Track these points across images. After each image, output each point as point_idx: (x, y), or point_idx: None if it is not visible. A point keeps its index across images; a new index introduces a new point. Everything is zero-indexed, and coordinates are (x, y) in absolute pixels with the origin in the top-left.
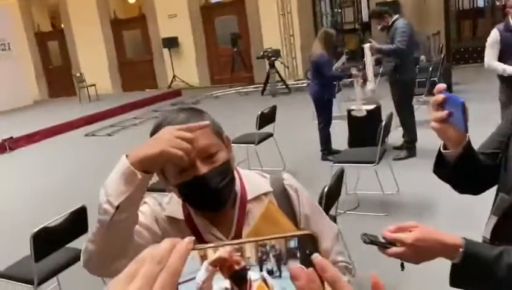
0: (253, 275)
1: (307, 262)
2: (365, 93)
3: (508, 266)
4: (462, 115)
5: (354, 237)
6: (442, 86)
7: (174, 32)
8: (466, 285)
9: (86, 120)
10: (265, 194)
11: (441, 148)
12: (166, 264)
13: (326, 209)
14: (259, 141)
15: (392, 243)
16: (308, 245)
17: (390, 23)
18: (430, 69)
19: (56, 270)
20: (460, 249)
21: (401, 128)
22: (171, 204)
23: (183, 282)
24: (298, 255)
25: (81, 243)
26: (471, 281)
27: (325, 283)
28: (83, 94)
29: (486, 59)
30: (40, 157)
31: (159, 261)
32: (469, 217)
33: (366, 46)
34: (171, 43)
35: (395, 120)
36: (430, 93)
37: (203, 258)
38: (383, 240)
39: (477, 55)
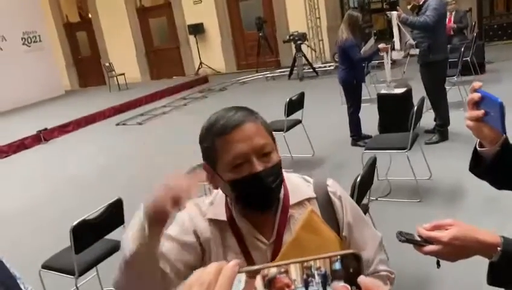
0: None
1: (351, 280)
2: (394, 74)
3: None
4: (499, 115)
5: (386, 223)
6: (478, 84)
7: (200, 18)
8: (504, 284)
9: (116, 109)
10: (308, 199)
11: (477, 146)
12: (213, 289)
13: (359, 198)
14: (288, 128)
15: (428, 240)
16: (352, 263)
17: (421, 2)
18: (462, 49)
19: (95, 261)
20: (498, 248)
21: (432, 110)
22: (214, 206)
23: None
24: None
25: (118, 234)
26: (510, 281)
27: None
28: (113, 83)
29: None
30: (74, 148)
31: (207, 286)
32: (504, 203)
33: (394, 13)
34: (197, 29)
35: (426, 103)
36: (462, 73)
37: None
38: (418, 238)
39: None
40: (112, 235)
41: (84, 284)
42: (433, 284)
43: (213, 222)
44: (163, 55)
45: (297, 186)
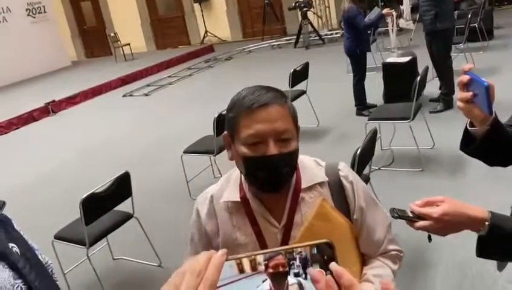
0: (290, 279)
1: (326, 266)
2: (401, 41)
3: None
4: (486, 98)
5: (389, 192)
6: (467, 66)
7: None
8: (492, 256)
9: (123, 80)
10: (320, 184)
11: (468, 126)
12: (204, 276)
13: (360, 169)
14: (293, 99)
15: (419, 216)
16: (326, 251)
17: None
18: (469, 15)
19: (105, 232)
20: (486, 223)
21: (437, 79)
22: (229, 187)
23: (221, 286)
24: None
25: (126, 206)
26: (497, 253)
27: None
28: (118, 53)
29: None
30: (82, 119)
31: (198, 273)
32: (505, 172)
33: None
34: None
35: (431, 71)
36: (470, 39)
37: (239, 265)
38: (410, 214)
39: None
40: (120, 207)
41: (95, 254)
42: (432, 253)
43: (227, 204)
44: (168, 24)
45: (309, 169)
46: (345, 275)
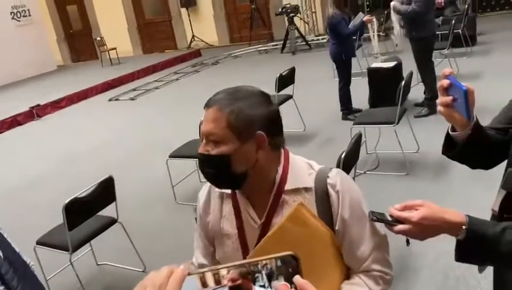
0: None
1: (291, 279)
2: (387, 47)
3: (510, 242)
4: (465, 102)
5: (374, 196)
6: (448, 70)
7: None
8: (470, 260)
9: (109, 84)
10: (305, 189)
11: (449, 130)
12: None
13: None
14: (279, 104)
15: (398, 220)
16: (292, 264)
17: None
18: (453, 21)
19: (88, 237)
20: (464, 227)
21: (422, 84)
22: None
23: None
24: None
25: (110, 211)
26: (475, 257)
27: None
28: (105, 58)
29: None
30: (67, 124)
31: (158, 288)
32: (489, 175)
33: (392, 4)
34: (189, 1)
35: (416, 76)
36: (453, 45)
37: (202, 279)
38: (389, 218)
39: (505, 2)
40: (104, 212)
41: (79, 260)
42: (416, 258)
43: (220, 193)
44: (155, 28)
45: (298, 172)
46: (309, 288)
